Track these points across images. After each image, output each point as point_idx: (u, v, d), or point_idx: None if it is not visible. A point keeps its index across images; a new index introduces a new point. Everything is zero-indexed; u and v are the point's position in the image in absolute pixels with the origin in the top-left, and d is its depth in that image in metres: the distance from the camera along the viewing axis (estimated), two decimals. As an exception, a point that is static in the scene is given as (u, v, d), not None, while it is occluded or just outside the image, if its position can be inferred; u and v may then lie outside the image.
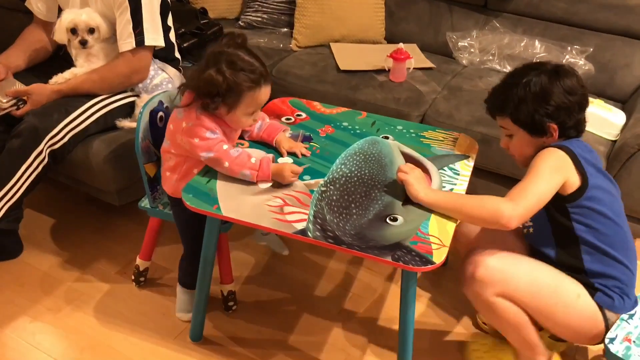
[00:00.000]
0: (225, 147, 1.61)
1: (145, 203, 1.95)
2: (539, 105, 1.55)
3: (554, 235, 1.63)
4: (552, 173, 1.51)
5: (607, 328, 1.59)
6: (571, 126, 1.59)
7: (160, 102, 1.87)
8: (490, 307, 1.58)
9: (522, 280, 1.57)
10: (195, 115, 1.60)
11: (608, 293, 1.58)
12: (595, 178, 1.56)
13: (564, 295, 1.58)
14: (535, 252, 1.69)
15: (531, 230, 1.71)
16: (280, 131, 1.80)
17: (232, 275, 2.03)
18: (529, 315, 1.59)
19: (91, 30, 2.07)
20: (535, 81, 1.56)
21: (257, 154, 1.74)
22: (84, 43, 2.07)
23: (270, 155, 1.68)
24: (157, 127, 1.86)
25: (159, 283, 2.15)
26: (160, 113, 1.87)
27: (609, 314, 1.58)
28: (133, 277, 2.15)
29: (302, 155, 1.76)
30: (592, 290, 1.59)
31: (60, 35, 2.09)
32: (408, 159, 1.74)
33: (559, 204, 1.56)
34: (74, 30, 2.07)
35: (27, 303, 2.05)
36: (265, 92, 1.61)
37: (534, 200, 1.49)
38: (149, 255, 2.10)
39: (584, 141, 1.64)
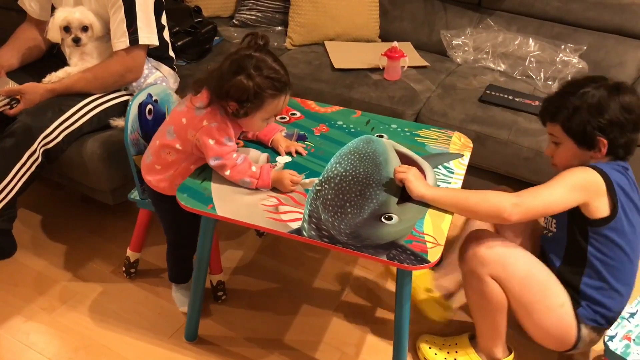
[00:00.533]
0: (234, 155, 1.60)
1: (134, 195, 1.96)
2: (592, 117, 1.53)
3: (566, 248, 1.64)
4: (572, 189, 1.52)
5: (577, 343, 1.64)
6: (621, 144, 1.56)
7: (149, 95, 1.88)
8: (480, 285, 1.63)
9: (518, 270, 1.61)
10: (220, 118, 1.58)
11: (592, 316, 1.63)
12: (627, 210, 1.55)
13: (550, 298, 1.61)
14: (543, 255, 1.71)
15: (549, 235, 1.72)
16: (277, 132, 1.80)
17: (221, 265, 2.04)
18: (510, 306, 1.65)
19: (84, 29, 2.06)
20: (593, 93, 1.53)
21: (253, 154, 1.74)
22: (77, 41, 2.06)
23: (270, 164, 1.67)
24: (146, 120, 1.87)
25: (153, 282, 2.15)
26: (149, 106, 1.88)
27: (585, 331, 1.63)
28: (124, 269, 2.16)
29: (298, 153, 1.76)
30: (576, 304, 1.63)
31: (54, 33, 2.08)
32: (403, 157, 1.74)
33: (582, 224, 1.57)
34: (67, 29, 2.06)
35: (21, 303, 2.05)
36: (286, 100, 1.61)
37: (540, 205, 1.51)
38: (139, 247, 2.11)
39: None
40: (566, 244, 1.63)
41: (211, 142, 1.58)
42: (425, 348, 1.87)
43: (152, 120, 1.89)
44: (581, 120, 1.53)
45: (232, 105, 1.56)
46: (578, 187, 1.52)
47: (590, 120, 1.52)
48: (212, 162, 1.59)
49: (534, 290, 1.61)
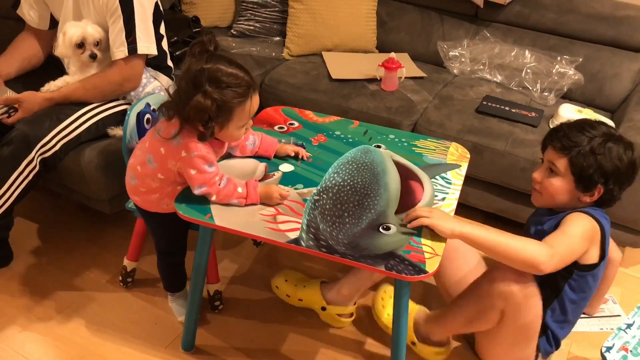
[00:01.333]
0: (216, 179, 1.56)
1: (132, 204, 1.95)
2: (604, 166, 1.56)
3: (539, 283, 1.63)
4: (584, 239, 1.55)
5: None
6: (612, 197, 1.62)
7: (147, 105, 1.88)
8: (488, 311, 1.65)
9: (525, 318, 1.64)
10: (197, 145, 1.52)
11: (548, 349, 1.72)
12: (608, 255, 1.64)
13: (529, 349, 1.72)
14: None
15: None
16: (276, 145, 1.78)
17: (218, 275, 2.04)
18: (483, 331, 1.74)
19: (96, 43, 2.07)
20: (611, 144, 1.57)
21: (250, 165, 1.74)
22: (94, 57, 2.06)
23: (255, 179, 1.63)
24: (144, 129, 1.87)
25: (150, 292, 2.14)
26: (148, 115, 1.88)
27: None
28: (121, 278, 2.15)
29: (296, 160, 1.77)
30: (541, 333, 1.69)
31: (66, 50, 2.05)
32: (400, 168, 1.75)
33: (569, 267, 1.59)
34: (80, 44, 2.05)
35: (17, 312, 2.04)
36: (255, 101, 1.53)
37: (567, 254, 1.53)
38: (136, 256, 2.11)
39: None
40: (541, 280, 1.62)
41: (193, 172, 1.53)
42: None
43: (150, 129, 1.89)
44: (592, 165, 1.56)
45: (198, 128, 1.50)
46: (588, 237, 1.56)
47: (600, 167, 1.56)
48: (197, 191, 1.55)
49: (523, 338, 1.67)
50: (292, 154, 1.78)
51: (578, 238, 1.54)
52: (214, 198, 1.57)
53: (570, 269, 1.60)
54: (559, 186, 1.63)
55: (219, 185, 1.56)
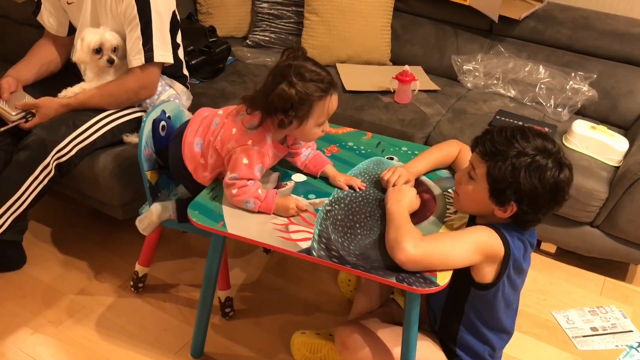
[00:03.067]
0: (251, 182, 1.60)
1: (146, 210, 1.97)
2: (520, 184, 1.42)
3: (446, 301, 1.62)
4: (476, 251, 1.44)
5: None
6: (527, 219, 1.49)
7: (163, 112, 1.90)
8: None
9: None
10: (264, 143, 1.59)
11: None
12: (510, 277, 1.51)
13: None
14: (427, 301, 1.73)
15: None
16: (327, 164, 1.77)
17: (229, 282, 2.04)
18: None
19: (114, 49, 2.10)
20: (537, 160, 1.42)
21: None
22: (111, 62, 2.08)
23: (275, 190, 1.65)
24: (159, 136, 1.89)
25: (161, 298, 2.15)
26: (163, 122, 1.90)
27: None
28: (132, 283, 2.17)
29: (354, 188, 1.73)
30: (451, 355, 1.64)
31: (83, 55, 2.08)
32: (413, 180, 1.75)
33: (466, 283, 1.53)
34: (98, 50, 2.08)
35: (29, 315, 2.05)
36: (334, 100, 1.59)
37: (437, 256, 1.41)
38: (147, 262, 2.12)
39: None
40: (447, 297, 1.61)
41: (245, 161, 1.58)
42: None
43: (165, 136, 1.91)
44: (509, 179, 1.43)
45: (279, 117, 1.55)
46: (481, 250, 1.45)
47: (516, 184, 1.42)
48: (229, 176, 1.59)
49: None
50: (347, 189, 1.72)
51: (467, 246, 1.43)
52: (234, 191, 1.58)
53: (466, 284, 1.53)
54: (475, 193, 1.51)
55: (247, 184, 1.59)
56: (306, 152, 1.78)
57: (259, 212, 1.60)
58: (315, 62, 1.58)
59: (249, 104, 1.60)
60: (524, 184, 1.41)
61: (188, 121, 1.78)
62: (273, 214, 1.60)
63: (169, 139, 1.89)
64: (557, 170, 1.43)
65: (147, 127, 1.83)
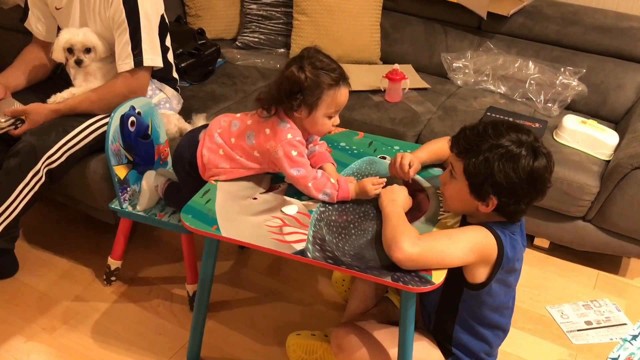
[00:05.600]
0: (318, 174, 1.63)
1: (115, 204, 1.99)
2: (495, 176, 1.42)
3: (440, 301, 1.63)
4: (471, 250, 1.44)
5: None
6: (510, 211, 1.48)
7: (132, 108, 1.94)
8: None
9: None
10: (299, 132, 1.63)
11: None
12: (504, 279, 1.52)
13: None
14: (421, 300, 1.73)
15: None
16: (328, 162, 1.76)
17: (197, 276, 2.03)
18: None
19: (87, 50, 2.08)
20: (510, 150, 1.42)
21: (255, 175, 1.75)
22: (79, 62, 2.08)
23: (348, 177, 1.71)
24: (128, 132, 1.93)
25: (155, 303, 2.14)
26: (132, 118, 1.93)
27: None
28: (104, 277, 2.19)
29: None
30: (447, 354, 1.64)
31: (58, 54, 2.10)
32: (405, 179, 1.75)
33: (459, 283, 1.53)
34: (70, 50, 2.08)
35: (22, 322, 2.04)
36: (344, 93, 1.61)
37: (434, 254, 1.41)
38: (119, 255, 2.16)
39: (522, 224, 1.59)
40: (440, 297, 1.62)
41: (294, 153, 1.60)
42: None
43: (134, 131, 1.95)
44: (484, 173, 1.43)
45: (287, 101, 1.57)
46: (475, 250, 1.44)
47: (492, 177, 1.42)
48: (295, 173, 1.61)
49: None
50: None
51: (463, 245, 1.43)
52: (310, 184, 1.61)
53: (459, 285, 1.53)
54: (457, 191, 1.52)
55: (316, 175, 1.62)
56: (313, 148, 1.79)
57: (336, 202, 1.64)
58: (330, 57, 1.62)
59: (264, 99, 1.63)
60: (498, 176, 1.42)
61: (202, 126, 1.82)
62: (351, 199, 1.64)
63: (139, 134, 1.95)
64: (532, 158, 1.43)
65: (114, 123, 1.87)
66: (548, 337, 2.09)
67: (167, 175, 1.99)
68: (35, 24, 2.24)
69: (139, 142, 1.99)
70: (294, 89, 1.56)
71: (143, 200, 1.96)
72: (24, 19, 2.25)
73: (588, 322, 2.14)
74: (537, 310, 2.21)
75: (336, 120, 1.66)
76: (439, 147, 1.74)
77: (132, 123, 1.94)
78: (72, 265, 2.30)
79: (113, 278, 2.20)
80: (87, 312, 2.09)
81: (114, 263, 2.17)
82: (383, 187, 1.63)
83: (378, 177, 1.66)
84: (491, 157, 1.42)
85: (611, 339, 2.05)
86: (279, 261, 2.35)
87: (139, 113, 1.96)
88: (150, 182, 1.94)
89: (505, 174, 1.42)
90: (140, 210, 1.97)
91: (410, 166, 1.68)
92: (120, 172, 1.92)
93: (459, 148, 1.50)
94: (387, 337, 1.63)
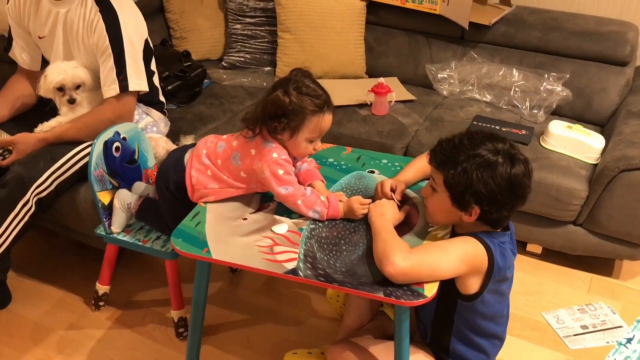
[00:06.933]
0: (307, 191, 1.64)
1: (100, 230, 1.99)
2: (474, 185, 1.43)
3: (435, 312, 1.63)
4: (462, 261, 1.44)
5: None
6: (492, 218, 1.49)
7: (117, 133, 1.94)
8: None
9: None
10: (285, 151, 1.63)
11: None
12: (496, 288, 1.52)
13: None
14: (416, 312, 1.73)
15: None
16: (318, 179, 1.76)
17: (182, 301, 2.04)
18: None
19: (77, 86, 2.09)
20: (487, 159, 1.43)
21: (244, 196, 1.75)
22: (72, 101, 2.09)
23: (338, 193, 1.72)
24: (112, 157, 1.93)
25: (150, 327, 2.13)
26: (117, 143, 1.94)
27: None
28: (93, 302, 2.19)
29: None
30: None
31: (47, 92, 2.10)
32: (394, 192, 1.76)
33: (452, 295, 1.53)
34: (60, 89, 2.08)
35: (17, 354, 2.02)
36: (328, 119, 1.61)
37: (425, 268, 1.41)
38: (107, 281, 2.18)
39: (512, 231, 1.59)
40: (435, 309, 1.62)
41: (281, 172, 1.60)
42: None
43: (119, 157, 1.96)
44: (463, 183, 1.44)
45: (272, 123, 1.58)
46: (466, 260, 1.45)
47: (471, 187, 1.43)
48: (283, 191, 1.61)
49: None
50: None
51: (454, 257, 1.43)
52: (299, 202, 1.61)
53: (453, 296, 1.52)
54: (439, 204, 1.53)
55: (305, 192, 1.63)
56: (301, 165, 1.79)
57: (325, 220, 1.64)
58: (316, 82, 1.62)
59: (249, 120, 1.63)
60: (478, 185, 1.43)
61: (187, 145, 1.83)
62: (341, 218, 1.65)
63: (124, 159, 1.95)
64: (509, 165, 1.44)
65: (97, 149, 1.87)
66: (545, 343, 2.10)
67: (139, 192, 1.98)
68: (19, 53, 2.24)
69: (125, 167, 1.99)
70: (278, 112, 1.57)
71: (115, 219, 1.95)
72: (8, 48, 2.26)
73: (584, 327, 2.15)
74: (533, 316, 2.21)
75: (317, 144, 1.66)
76: (423, 163, 1.75)
77: (117, 148, 1.94)
78: (65, 294, 2.29)
79: (101, 303, 2.20)
80: (82, 340, 2.08)
81: (101, 288, 2.18)
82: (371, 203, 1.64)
83: (362, 196, 1.66)
84: (469, 167, 1.43)
85: (608, 342, 2.06)
86: (273, 280, 2.34)
87: (124, 138, 1.97)
88: (123, 200, 1.93)
89: (484, 183, 1.43)
90: (115, 232, 1.97)
91: (393, 190, 1.68)
92: (104, 197, 1.92)
93: (437, 160, 1.51)
94: (383, 352, 1.63)
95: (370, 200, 1.65)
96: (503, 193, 1.44)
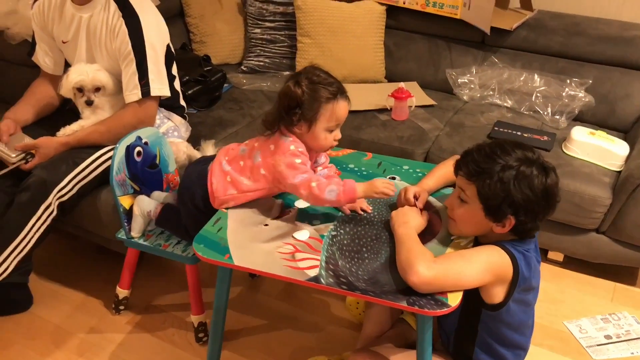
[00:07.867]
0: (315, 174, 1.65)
1: (122, 234, 2.00)
2: (512, 195, 1.42)
3: (459, 322, 1.61)
4: (486, 271, 1.43)
5: None
6: (525, 228, 1.48)
7: (139, 138, 1.95)
8: None
9: None
10: (302, 144, 1.62)
11: None
12: (521, 297, 1.51)
13: None
14: (438, 322, 1.71)
15: None
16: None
17: (202, 307, 2.04)
18: None
19: (97, 89, 2.10)
20: (523, 170, 1.43)
21: (266, 201, 1.75)
22: (89, 103, 2.10)
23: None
24: (134, 162, 1.94)
25: (170, 332, 2.14)
26: (138, 148, 1.95)
27: None
28: (113, 306, 2.20)
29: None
30: None
31: (67, 92, 2.12)
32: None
33: (477, 305, 1.52)
34: (80, 89, 2.10)
35: (38, 357, 2.04)
36: (343, 106, 1.61)
37: (450, 277, 1.40)
38: (127, 285, 2.18)
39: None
40: (458, 319, 1.60)
41: (298, 161, 1.60)
42: None
43: (140, 162, 1.97)
44: (500, 194, 1.43)
45: (286, 117, 1.58)
46: (491, 270, 1.44)
47: (509, 198, 1.42)
48: (298, 179, 1.58)
49: None
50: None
51: (478, 266, 1.42)
52: (314, 184, 1.57)
53: (477, 306, 1.51)
54: (470, 215, 1.50)
55: (320, 178, 1.61)
56: (322, 172, 1.79)
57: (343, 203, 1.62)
58: (327, 72, 1.63)
59: (268, 121, 1.64)
60: (516, 196, 1.42)
61: (207, 158, 1.85)
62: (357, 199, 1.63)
63: (145, 164, 1.96)
64: (544, 175, 1.44)
65: (119, 153, 1.88)
66: (568, 353, 2.07)
67: (160, 200, 1.99)
68: (43, 58, 2.26)
69: (146, 172, 2.00)
70: (291, 104, 1.57)
71: (135, 225, 1.96)
72: (32, 53, 2.28)
73: (607, 337, 2.12)
74: (555, 325, 2.18)
75: (337, 134, 1.65)
76: (447, 170, 1.73)
77: (139, 153, 1.95)
78: (85, 297, 2.30)
79: (122, 307, 2.20)
80: (102, 344, 2.09)
81: (122, 292, 2.18)
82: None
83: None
84: (506, 178, 1.42)
85: (632, 353, 2.03)
86: (292, 285, 2.34)
87: (145, 143, 1.98)
88: (142, 208, 1.94)
89: (522, 194, 1.42)
90: (135, 236, 1.97)
91: (416, 198, 1.66)
92: (126, 202, 1.93)
93: (469, 172, 1.48)
94: None
95: (393, 182, 1.62)
96: (540, 203, 1.44)
